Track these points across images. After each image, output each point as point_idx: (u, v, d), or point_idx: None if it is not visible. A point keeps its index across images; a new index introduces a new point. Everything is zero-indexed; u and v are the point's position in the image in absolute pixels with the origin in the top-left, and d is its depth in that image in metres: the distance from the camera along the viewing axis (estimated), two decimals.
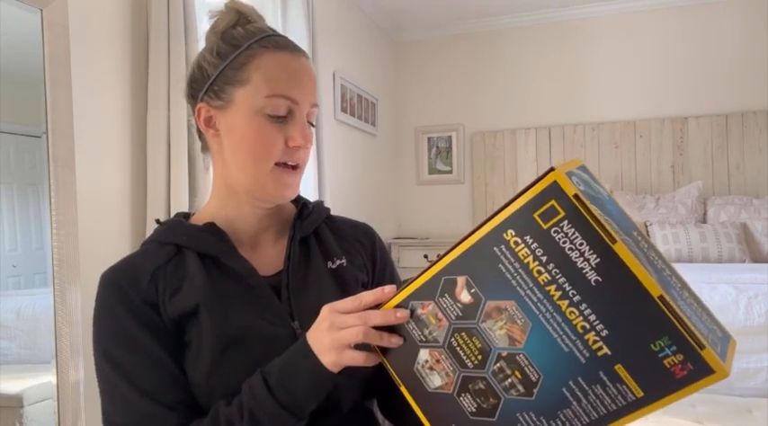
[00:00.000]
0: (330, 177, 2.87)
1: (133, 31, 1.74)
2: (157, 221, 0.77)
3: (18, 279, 1.42)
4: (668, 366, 0.43)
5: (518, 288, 0.47)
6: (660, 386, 0.44)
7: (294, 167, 0.73)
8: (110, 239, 1.64)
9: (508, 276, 0.47)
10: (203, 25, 2.25)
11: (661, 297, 0.42)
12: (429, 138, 4.31)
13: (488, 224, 0.48)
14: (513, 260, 0.47)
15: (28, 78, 1.42)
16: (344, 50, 3.45)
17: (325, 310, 0.59)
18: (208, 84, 0.71)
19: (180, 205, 1.68)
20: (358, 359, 0.57)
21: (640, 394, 0.45)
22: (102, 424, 0.67)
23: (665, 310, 0.42)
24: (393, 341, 0.56)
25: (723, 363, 0.42)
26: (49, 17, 1.41)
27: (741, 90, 3.56)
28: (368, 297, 0.57)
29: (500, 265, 0.48)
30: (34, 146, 1.43)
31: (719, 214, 3.29)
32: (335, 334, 0.57)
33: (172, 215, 1.67)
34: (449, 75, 4.25)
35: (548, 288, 0.45)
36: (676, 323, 0.42)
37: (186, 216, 0.80)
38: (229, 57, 0.70)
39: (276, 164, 0.70)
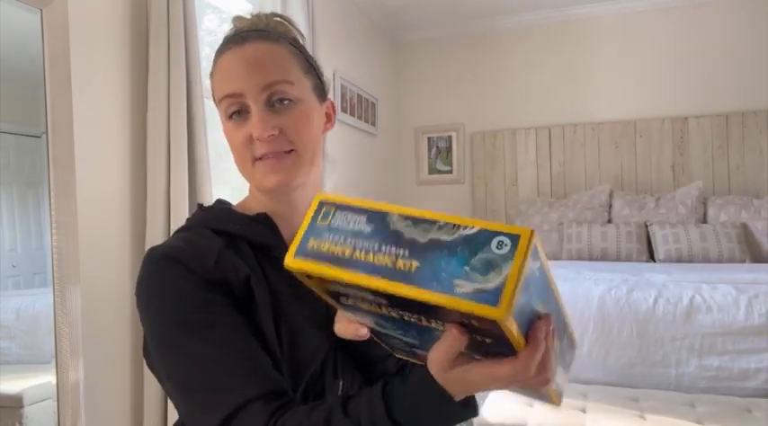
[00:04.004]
0: (330, 177, 2.87)
1: (133, 31, 1.74)
2: (200, 206, 0.76)
3: (18, 279, 1.42)
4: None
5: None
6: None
7: (277, 154, 0.69)
8: (110, 239, 1.64)
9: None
10: (203, 25, 2.25)
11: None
12: (429, 138, 4.31)
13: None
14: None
15: (28, 78, 1.42)
16: (344, 50, 3.45)
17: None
18: None
19: (180, 205, 1.68)
20: None
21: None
22: (184, 412, 0.62)
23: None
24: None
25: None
26: (48, 17, 1.41)
27: (741, 90, 3.55)
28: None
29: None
30: (34, 146, 1.43)
31: (720, 214, 3.29)
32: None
33: (172, 214, 1.68)
34: (449, 75, 4.25)
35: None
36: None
37: (225, 203, 0.79)
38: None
39: (258, 159, 0.70)
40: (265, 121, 0.68)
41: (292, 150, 0.70)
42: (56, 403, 1.38)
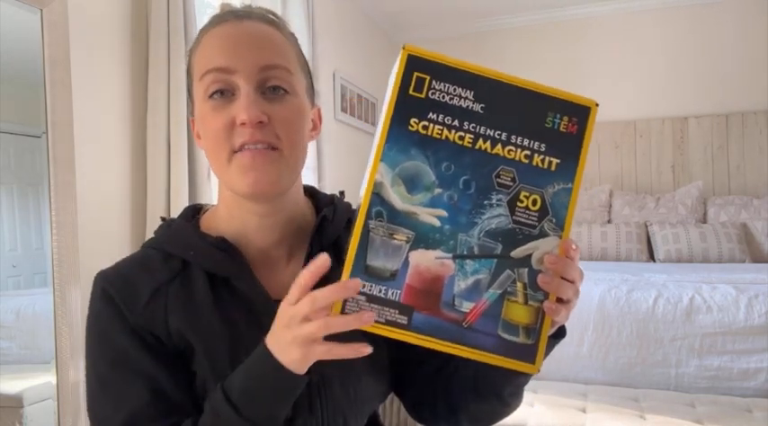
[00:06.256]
0: (330, 177, 2.87)
1: (133, 31, 1.74)
2: (163, 219, 0.70)
3: (18, 279, 1.42)
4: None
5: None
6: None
7: (259, 148, 0.60)
8: (110, 239, 1.64)
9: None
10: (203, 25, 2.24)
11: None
12: None
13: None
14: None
15: (28, 78, 1.42)
16: (344, 50, 3.45)
17: (282, 307, 0.52)
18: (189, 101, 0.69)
19: (180, 205, 1.68)
20: (333, 352, 0.50)
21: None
22: None
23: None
24: (365, 318, 0.49)
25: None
26: (48, 17, 1.41)
27: (741, 90, 3.55)
28: (320, 293, 0.49)
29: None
30: (34, 146, 1.43)
31: (720, 214, 3.29)
32: (297, 330, 0.49)
33: (172, 214, 1.68)
34: None
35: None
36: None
37: (197, 211, 0.72)
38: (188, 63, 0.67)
39: (237, 151, 0.60)
40: (255, 104, 0.59)
41: (277, 148, 0.61)
42: (56, 403, 1.38)
